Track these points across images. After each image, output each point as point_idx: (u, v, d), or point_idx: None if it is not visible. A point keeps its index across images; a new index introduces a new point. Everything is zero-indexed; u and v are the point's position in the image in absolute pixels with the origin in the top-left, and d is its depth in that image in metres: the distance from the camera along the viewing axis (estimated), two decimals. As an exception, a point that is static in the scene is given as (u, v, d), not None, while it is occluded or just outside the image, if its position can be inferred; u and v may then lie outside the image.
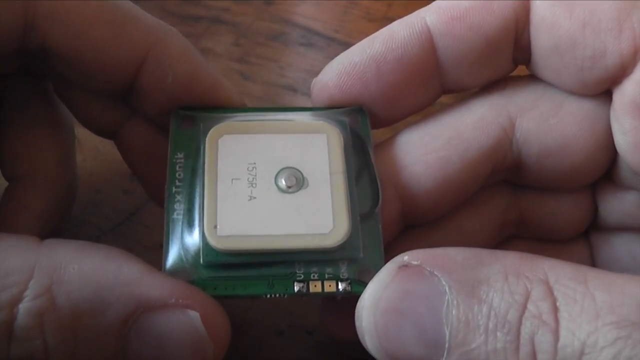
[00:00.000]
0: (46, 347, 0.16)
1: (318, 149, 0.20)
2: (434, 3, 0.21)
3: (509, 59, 0.21)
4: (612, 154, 0.20)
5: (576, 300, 0.15)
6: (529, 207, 0.23)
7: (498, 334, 0.15)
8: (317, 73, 0.21)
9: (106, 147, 0.28)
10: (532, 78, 0.21)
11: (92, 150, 0.28)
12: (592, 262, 0.23)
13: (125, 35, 0.20)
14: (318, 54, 0.34)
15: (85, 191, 0.27)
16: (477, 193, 0.22)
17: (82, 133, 0.25)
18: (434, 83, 0.21)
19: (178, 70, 0.21)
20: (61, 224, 0.23)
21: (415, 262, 0.16)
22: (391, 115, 0.21)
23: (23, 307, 0.16)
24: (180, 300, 0.17)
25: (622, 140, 0.19)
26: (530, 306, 0.15)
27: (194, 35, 0.34)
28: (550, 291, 0.15)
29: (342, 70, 0.20)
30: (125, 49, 0.20)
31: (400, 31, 0.20)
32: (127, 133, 0.23)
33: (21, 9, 0.19)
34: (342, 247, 0.18)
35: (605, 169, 0.21)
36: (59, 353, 0.16)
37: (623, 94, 0.19)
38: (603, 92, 0.20)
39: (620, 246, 0.22)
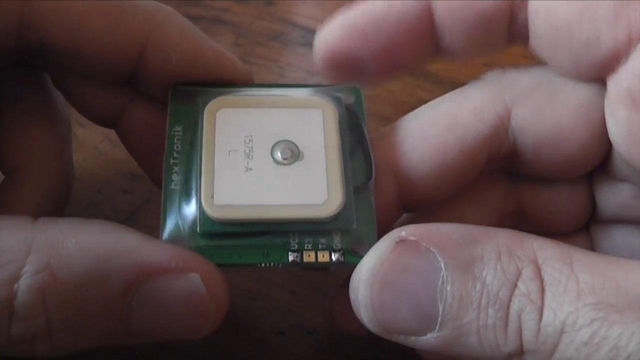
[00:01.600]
0: (49, 325, 0.16)
1: (313, 123, 0.20)
2: None
3: (503, 36, 0.21)
4: (607, 146, 0.20)
5: (560, 281, 0.16)
6: (527, 198, 0.23)
7: (489, 310, 0.16)
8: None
9: (106, 147, 0.28)
10: (530, 67, 0.21)
11: (92, 150, 0.28)
12: None
13: (123, 25, 0.20)
14: (318, 54, 0.34)
15: (85, 191, 0.27)
16: (476, 183, 0.22)
17: (82, 133, 0.25)
18: (430, 45, 0.21)
19: (180, 50, 0.21)
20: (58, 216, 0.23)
21: (412, 238, 0.17)
22: (386, 70, 0.21)
23: (23, 283, 0.16)
24: (180, 264, 0.17)
25: (615, 132, 0.19)
26: (520, 285, 0.16)
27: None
28: (539, 271, 0.16)
29: (345, 25, 0.20)
30: (125, 38, 0.20)
31: None
32: (129, 119, 0.23)
33: (15, 7, 0.19)
34: (335, 218, 0.19)
35: (600, 161, 0.21)
36: (63, 330, 0.16)
37: (617, 84, 0.19)
38: (598, 80, 0.20)
39: (619, 238, 0.22)
